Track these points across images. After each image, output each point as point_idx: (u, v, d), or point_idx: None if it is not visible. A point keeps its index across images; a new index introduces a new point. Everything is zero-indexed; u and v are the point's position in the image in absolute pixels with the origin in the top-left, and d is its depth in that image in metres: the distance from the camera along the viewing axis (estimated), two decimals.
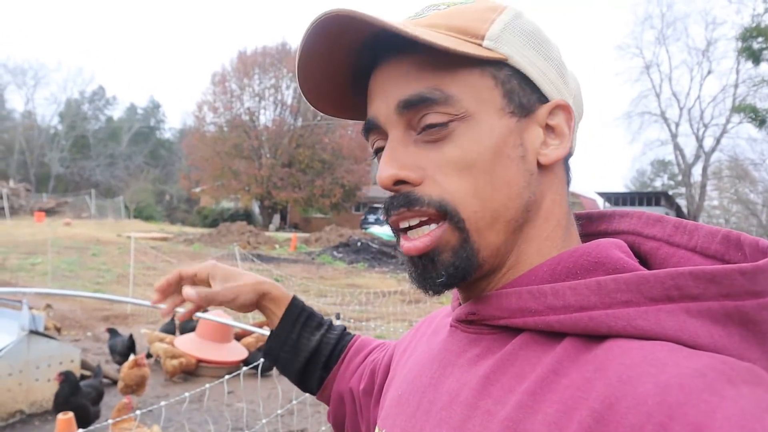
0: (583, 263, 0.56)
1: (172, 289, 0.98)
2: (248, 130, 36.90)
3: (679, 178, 45.47)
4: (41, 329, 5.26)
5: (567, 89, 0.63)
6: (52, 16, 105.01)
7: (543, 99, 0.60)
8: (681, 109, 40.19)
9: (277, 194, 35.42)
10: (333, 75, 0.65)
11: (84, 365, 5.69)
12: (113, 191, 47.54)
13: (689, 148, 41.04)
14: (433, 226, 0.58)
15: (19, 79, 57.58)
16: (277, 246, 22.57)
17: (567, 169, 0.65)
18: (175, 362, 6.28)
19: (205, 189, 39.61)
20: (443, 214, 0.58)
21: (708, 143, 39.49)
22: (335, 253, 20.05)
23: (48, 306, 8.52)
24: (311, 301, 10.95)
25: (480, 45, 0.57)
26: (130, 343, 6.41)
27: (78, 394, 4.46)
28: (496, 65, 0.58)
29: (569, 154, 0.64)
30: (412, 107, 0.58)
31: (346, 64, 0.64)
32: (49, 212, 32.53)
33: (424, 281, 0.60)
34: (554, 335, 0.53)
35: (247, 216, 35.63)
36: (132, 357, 5.42)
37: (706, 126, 39.31)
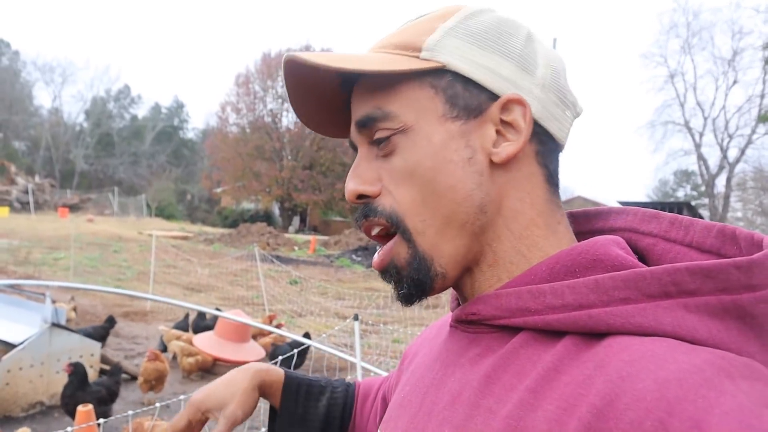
0: (582, 261, 0.56)
1: None
2: (270, 131, 37.18)
3: (703, 188, 44.86)
4: (63, 322, 5.31)
5: (531, 79, 0.61)
6: (82, 15, 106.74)
7: (495, 97, 0.60)
8: (705, 119, 39.63)
9: (297, 196, 35.60)
10: (325, 104, 0.69)
11: (104, 360, 5.74)
12: (136, 189, 48.05)
13: (713, 158, 40.44)
14: (382, 229, 0.62)
15: (48, 76, 58.74)
16: (296, 248, 22.65)
17: (545, 164, 0.62)
18: (191, 360, 6.31)
19: (226, 189, 39.92)
20: (393, 224, 0.61)
21: (732, 154, 38.87)
22: (354, 256, 20.06)
23: (72, 299, 8.64)
24: (329, 303, 10.97)
25: (417, 57, 0.59)
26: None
27: (85, 391, 4.45)
28: (436, 74, 0.60)
29: (554, 147, 0.63)
30: (364, 127, 0.62)
31: (333, 93, 0.68)
32: (73, 208, 33.01)
33: (395, 292, 0.63)
34: (554, 333, 0.53)
35: (267, 217, 35.81)
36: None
37: (730, 136, 38.69)
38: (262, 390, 0.94)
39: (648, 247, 0.59)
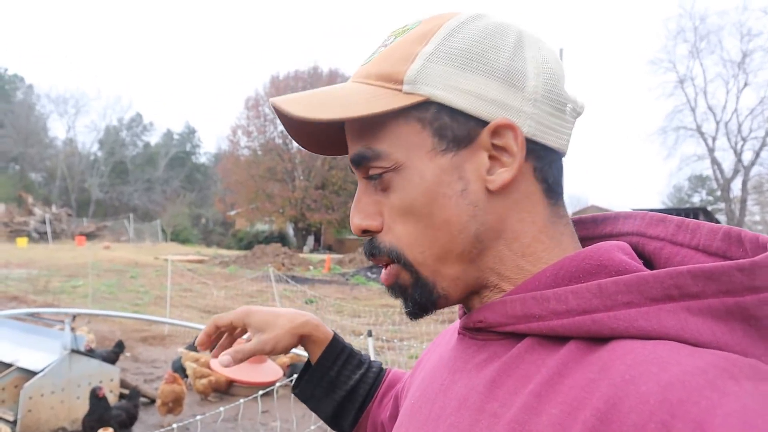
0: (585, 267, 0.56)
1: (213, 339, 0.97)
2: (282, 153, 37.41)
3: (718, 193, 44.42)
4: (82, 349, 5.38)
5: (520, 96, 0.58)
6: (92, 46, 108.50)
7: (484, 123, 0.58)
8: (717, 122, 39.33)
9: (310, 216, 35.71)
10: (322, 130, 0.68)
11: (123, 384, 5.80)
12: (150, 215, 48.44)
13: (727, 162, 40.10)
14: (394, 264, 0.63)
15: (61, 108, 59.65)
16: (311, 267, 22.67)
17: (543, 177, 0.61)
18: (204, 381, 6.33)
19: (240, 212, 40.14)
20: (395, 259, 0.62)
21: (747, 157, 38.51)
22: (369, 273, 20.01)
23: (88, 322, 8.73)
24: (345, 321, 10.96)
25: (400, 90, 0.58)
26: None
27: (107, 416, 4.52)
28: (421, 107, 0.58)
29: (553, 158, 0.62)
30: (357, 166, 0.62)
31: (325, 127, 0.68)
32: (90, 236, 33.34)
33: (403, 307, 0.65)
34: (559, 339, 0.54)
35: (281, 238, 35.94)
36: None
37: (744, 139, 38.38)
38: (304, 341, 0.97)
39: (655, 251, 0.59)
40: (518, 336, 0.57)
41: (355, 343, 8.97)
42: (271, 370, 7.16)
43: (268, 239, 34.23)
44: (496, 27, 0.60)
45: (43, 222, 33.09)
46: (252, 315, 0.95)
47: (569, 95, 0.62)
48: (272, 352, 0.93)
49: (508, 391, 0.53)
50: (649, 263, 0.59)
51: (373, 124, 0.60)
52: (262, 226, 40.38)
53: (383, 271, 0.64)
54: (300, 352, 4.97)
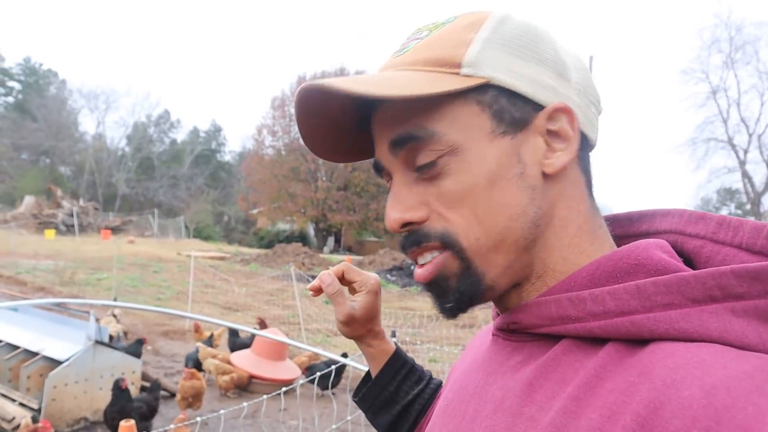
0: (623, 266, 0.54)
1: (320, 291, 0.97)
2: (305, 153, 37.46)
3: (748, 207, 43.57)
4: (106, 340, 5.46)
5: (568, 86, 0.60)
6: (124, 44, 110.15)
7: (539, 107, 0.58)
8: (750, 135, 38.61)
9: (332, 217, 35.80)
10: (336, 128, 0.66)
11: (144, 377, 5.87)
12: (175, 211, 48.97)
13: (759, 176, 39.27)
14: (436, 254, 0.60)
15: (92, 103, 60.58)
16: (330, 268, 22.65)
17: (584, 168, 0.62)
18: (226, 378, 6.39)
19: (262, 211, 40.37)
20: (447, 244, 0.59)
21: None
22: (389, 276, 20.00)
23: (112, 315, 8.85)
24: None
25: (457, 74, 0.57)
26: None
27: (129, 408, 4.59)
28: (479, 89, 0.57)
29: (589, 149, 0.63)
30: (401, 146, 0.59)
31: (346, 116, 0.65)
32: (115, 230, 33.74)
33: (439, 305, 0.62)
34: (596, 340, 0.52)
35: (302, 238, 36.06)
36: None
37: None
38: (369, 337, 0.98)
39: (695, 249, 0.57)
40: (554, 338, 0.56)
41: None
42: (289, 369, 7.21)
43: (289, 239, 34.37)
44: (535, 23, 0.61)
45: (71, 215, 33.62)
46: (353, 274, 0.98)
47: (597, 91, 0.64)
48: (351, 317, 0.95)
49: (545, 395, 0.52)
50: (688, 262, 0.57)
51: (426, 107, 0.57)
52: (283, 226, 40.56)
53: (423, 265, 0.61)
54: (319, 351, 4.99)
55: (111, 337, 8.13)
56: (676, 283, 0.49)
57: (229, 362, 6.77)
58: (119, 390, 4.66)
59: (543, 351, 0.56)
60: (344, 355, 6.54)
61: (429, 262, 0.60)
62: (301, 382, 3.60)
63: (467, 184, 0.57)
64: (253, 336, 7.50)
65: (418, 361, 7.07)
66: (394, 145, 0.60)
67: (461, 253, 0.58)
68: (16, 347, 5.58)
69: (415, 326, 10.41)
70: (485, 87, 0.57)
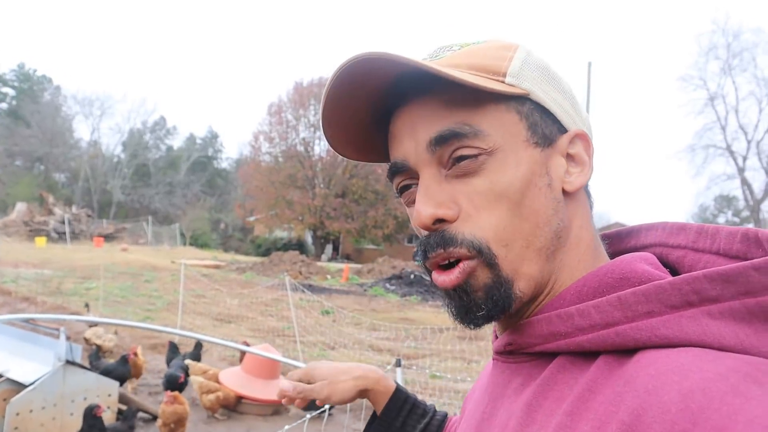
0: (608, 281, 0.56)
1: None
2: (303, 160, 37.30)
3: (745, 214, 43.43)
4: (78, 360, 4.96)
5: (581, 119, 0.65)
6: (119, 50, 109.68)
7: (562, 129, 0.63)
8: (749, 142, 38.44)
9: (330, 224, 35.48)
10: (356, 119, 0.65)
11: (122, 399, 5.37)
12: (171, 218, 48.50)
13: (758, 182, 39.10)
14: (460, 260, 0.59)
15: (87, 109, 60.05)
16: (328, 276, 22.34)
17: (588, 193, 0.66)
18: (211, 397, 5.90)
19: (260, 218, 40.14)
20: (476, 252, 0.58)
21: None
22: (388, 285, 19.65)
23: (116, 332, 8.39)
24: (362, 335, 10.50)
25: (503, 82, 0.59)
26: (179, 375, 6.04)
27: None
28: (519, 100, 0.60)
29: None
30: (444, 143, 0.59)
31: (368, 108, 0.64)
32: (108, 238, 33.35)
33: (465, 314, 0.60)
34: (588, 355, 0.53)
35: (299, 246, 35.76)
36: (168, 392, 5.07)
37: None
38: (366, 395, 1.01)
39: (678, 259, 0.59)
40: (549, 355, 0.57)
41: (375, 361, 8.47)
42: None
43: (286, 246, 34.03)
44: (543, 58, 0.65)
45: (63, 222, 33.14)
46: (315, 370, 1.03)
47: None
48: (326, 400, 0.99)
49: (545, 414, 0.53)
50: (675, 273, 0.58)
51: (472, 104, 0.59)
52: (280, 233, 40.30)
53: (442, 272, 0.60)
54: None
55: (100, 350, 7.65)
56: (654, 292, 0.50)
57: (217, 380, 6.27)
58: (92, 418, 4.17)
59: (540, 370, 0.58)
60: None
61: (456, 267, 0.59)
62: (309, 416, 3.14)
63: (503, 185, 0.58)
64: (195, 350, 7.23)
65: (419, 378, 6.63)
66: (437, 142, 0.59)
67: (492, 260, 0.58)
68: None
69: (416, 339, 9.95)
70: (524, 99, 0.60)
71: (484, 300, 0.59)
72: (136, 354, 6.38)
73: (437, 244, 0.59)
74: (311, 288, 14.23)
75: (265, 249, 36.55)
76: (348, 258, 38.07)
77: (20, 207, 34.41)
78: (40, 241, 27.56)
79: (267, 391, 6.33)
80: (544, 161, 0.60)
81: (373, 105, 0.64)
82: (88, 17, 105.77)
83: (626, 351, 0.50)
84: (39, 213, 34.51)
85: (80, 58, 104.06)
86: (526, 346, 0.59)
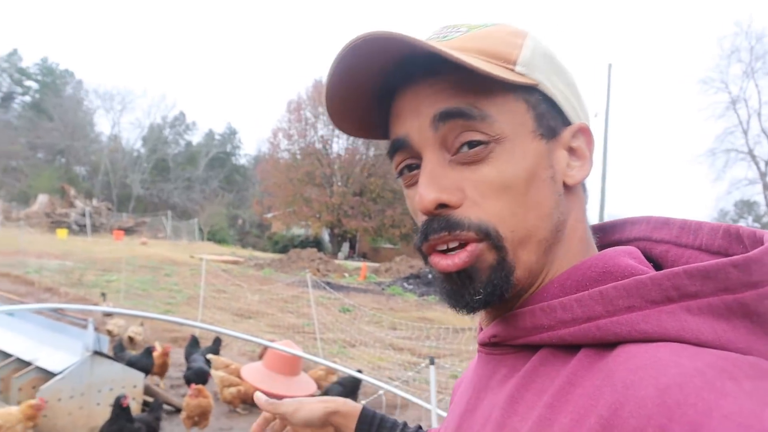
0: (591, 274, 0.57)
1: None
2: (321, 158, 37.28)
3: (767, 219, 42.74)
4: (105, 350, 4.99)
5: (583, 112, 0.65)
6: (140, 45, 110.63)
7: (566, 122, 0.62)
8: None
9: (347, 223, 35.44)
10: (360, 95, 0.64)
11: (147, 391, 5.40)
12: (189, 213, 48.78)
13: None
14: (465, 243, 0.58)
15: (108, 104, 60.51)
16: (346, 274, 22.34)
17: (584, 188, 0.66)
18: (232, 390, 5.92)
19: (277, 215, 40.14)
20: (483, 236, 0.57)
21: None
22: (405, 284, 19.61)
23: (142, 324, 8.46)
24: (382, 334, 10.49)
25: (513, 70, 0.59)
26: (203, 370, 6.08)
27: (128, 429, 4.13)
28: (528, 90, 0.60)
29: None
30: (449, 120, 0.58)
31: (373, 85, 0.63)
32: (128, 231, 33.60)
33: (460, 298, 0.59)
34: (570, 348, 0.54)
35: (316, 243, 35.78)
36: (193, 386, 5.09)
37: None
38: (333, 417, 0.97)
39: (661, 254, 0.60)
40: (532, 348, 0.58)
41: (396, 360, 8.45)
42: (304, 384, 6.71)
43: (303, 243, 34.08)
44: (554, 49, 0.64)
45: (84, 215, 33.47)
46: (274, 411, 0.98)
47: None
48: (295, 414, 0.95)
49: (526, 405, 0.54)
50: (658, 267, 0.58)
51: (480, 88, 0.58)
52: (298, 230, 40.32)
53: (445, 256, 0.58)
54: (337, 366, 4.52)
55: (130, 341, 7.71)
56: (635, 287, 0.51)
57: (239, 375, 6.30)
58: (119, 408, 4.21)
59: (523, 362, 0.58)
60: (359, 371, 6.08)
61: (463, 250, 0.58)
62: None
63: (509, 174, 0.58)
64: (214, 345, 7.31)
65: (439, 378, 6.58)
66: (441, 117, 0.58)
67: (499, 243, 0.58)
68: (8, 355, 5.14)
69: (435, 338, 9.92)
70: (532, 89, 0.60)
71: (485, 284, 0.58)
72: (167, 354, 6.41)
73: (441, 227, 0.58)
74: (330, 285, 14.23)
75: (282, 246, 36.61)
76: (364, 256, 38.02)
77: (42, 199, 34.84)
78: (62, 232, 27.85)
79: (288, 387, 6.33)
80: (548, 153, 0.60)
81: (378, 83, 0.63)
82: (111, 13, 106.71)
83: (607, 345, 0.50)
84: (60, 205, 34.91)
85: (102, 53, 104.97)
86: (510, 339, 0.59)
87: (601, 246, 0.66)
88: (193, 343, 7.33)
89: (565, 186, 0.61)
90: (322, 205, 35.94)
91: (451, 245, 0.58)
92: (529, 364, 0.56)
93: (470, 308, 0.60)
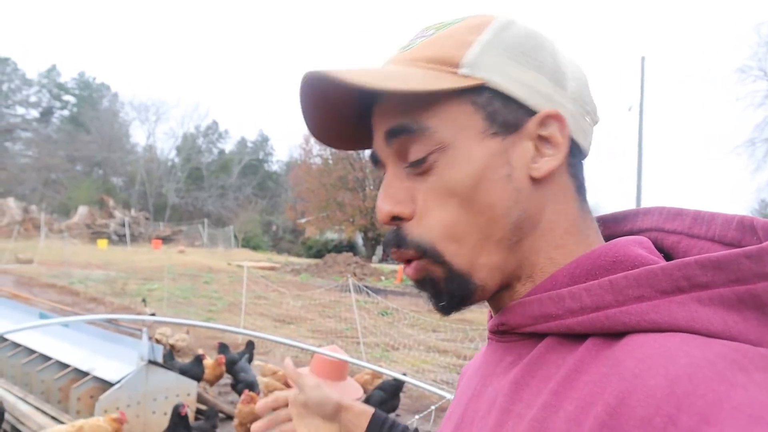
0: (602, 263, 0.56)
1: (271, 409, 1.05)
2: (353, 162, 37.39)
3: None
4: (159, 359, 5.08)
5: (564, 94, 0.61)
6: (173, 56, 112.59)
7: (532, 112, 0.59)
8: None
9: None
10: (340, 115, 0.66)
11: (200, 399, 5.48)
12: (223, 221, 49.44)
13: None
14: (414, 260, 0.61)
15: (143, 115, 61.83)
16: (382, 278, 22.35)
17: (575, 174, 0.63)
18: None
19: (310, 220, 40.39)
20: (422, 253, 0.59)
21: None
22: None
23: (188, 332, 8.61)
24: (424, 336, 10.48)
25: (455, 73, 0.58)
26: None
27: None
28: (475, 90, 0.58)
29: (581, 157, 0.64)
30: (396, 136, 0.60)
31: (350, 105, 0.64)
32: (165, 240, 34.18)
33: (431, 302, 0.62)
34: (578, 336, 0.53)
35: (350, 247, 35.86)
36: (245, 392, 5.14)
37: None
38: (343, 413, 0.97)
39: (673, 245, 0.59)
40: (539, 336, 0.57)
41: (439, 362, 8.43)
42: (351, 389, 6.72)
43: (337, 248, 34.22)
44: (537, 31, 0.62)
45: (123, 225, 34.18)
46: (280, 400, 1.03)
47: (594, 102, 0.65)
48: (312, 388, 0.97)
49: (531, 392, 0.54)
50: (670, 258, 0.58)
51: (422, 103, 0.58)
52: (331, 235, 40.52)
53: (407, 265, 0.61)
54: (384, 370, 4.52)
55: (172, 349, 7.84)
56: (645, 276, 0.50)
57: (285, 381, 6.34)
58: (178, 416, 4.27)
59: (529, 350, 0.58)
60: (403, 374, 6.07)
61: (410, 265, 0.61)
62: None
63: (453, 181, 0.58)
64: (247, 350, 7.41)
65: None
66: (388, 135, 0.61)
67: (439, 259, 0.59)
68: (66, 366, 5.26)
69: (478, 340, 9.87)
70: (481, 89, 0.58)
71: (443, 293, 0.60)
72: (222, 363, 6.53)
73: (393, 243, 0.61)
74: (368, 289, 14.27)
75: (316, 251, 36.82)
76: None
77: (82, 210, 35.66)
78: (102, 243, 28.45)
79: (335, 392, 6.36)
80: (504, 151, 0.58)
81: (352, 102, 0.64)
82: (144, 27, 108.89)
83: (615, 334, 0.50)
84: (100, 216, 35.67)
85: (136, 66, 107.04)
86: (519, 327, 0.59)
87: (611, 236, 0.65)
88: (223, 348, 7.39)
89: (535, 179, 0.59)
90: (355, 209, 36.07)
91: (405, 258, 0.61)
92: (535, 351, 0.56)
93: (442, 311, 0.62)
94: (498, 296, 0.63)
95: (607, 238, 0.65)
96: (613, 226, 0.68)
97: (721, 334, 0.46)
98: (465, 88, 0.58)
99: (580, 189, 0.63)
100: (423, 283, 0.62)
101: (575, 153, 0.62)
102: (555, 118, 0.59)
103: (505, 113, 0.59)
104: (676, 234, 0.59)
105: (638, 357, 0.45)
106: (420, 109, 0.59)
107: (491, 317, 0.67)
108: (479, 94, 0.58)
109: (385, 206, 0.61)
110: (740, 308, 0.47)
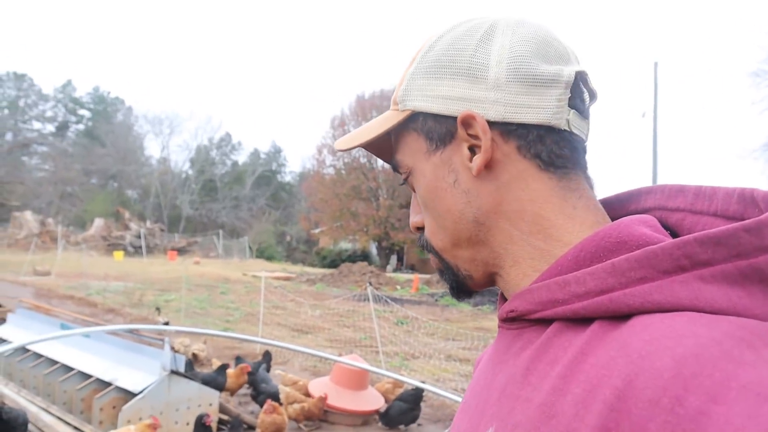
0: (606, 245, 0.56)
1: None
2: (366, 171, 37.44)
3: None
4: (182, 369, 5.07)
5: (482, 86, 0.61)
6: (186, 70, 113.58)
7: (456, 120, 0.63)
8: None
9: (394, 235, 35.45)
10: (382, 152, 0.76)
11: (222, 409, 5.45)
12: (237, 232, 49.60)
13: None
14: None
15: (157, 128, 62.40)
16: (398, 287, 22.29)
17: (536, 153, 0.61)
18: (296, 407, 5.91)
19: (324, 230, 40.44)
20: (429, 249, 0.71)
21: None
22: None
23: (205, 342, 8.61)
24: (441, 344, 10.41)
25: (398, 110, 0.67)
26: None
27: None
28: (412, 118, 0.66)
29: (545, 132, 0.61)
30: (395, 170, 0.72)
31: (378, 147, 0.74)
32: (181, 251, 34.34)
33: (448, 289, 0.72)
34: (585, 320, 0.54)
35: (364, 257, 35.83)
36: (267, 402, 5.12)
37: None
38: None
39: (677, 222, 0.59)
40: (548, 322, 0.58)
41: (459, 371, 8.35)
42: (372, 398, 6.70)
43: (351, 258, 34.18)
44: (467, 29, 0.64)
45: (138, 236, 34.39)
46: None
47: (549, 68, 0.61)
48: None
49: (539, 376, 0.54)
50: (675, 235, 0.58)
51: (394, 140, 0.70)
52: (345, 245, 40.52)
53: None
54: (404, 378, 4.47)
55: (194, 358, 7.85)
56: (645, 257, 0.50)
57: (306, 391, 6.31)
58: (202, 427, 4.26)
59: (538, 335, 0.58)
60: (422, 383, 6.01)
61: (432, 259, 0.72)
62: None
63: (421, 197, 0.69)
64: (265, 360, 7.36)
65: None
66: (393, 169, 0.72)
67: (435, 254, 0.70)
68: (88, 376, 5.26)
69: None
70: (415, 115, 0.66)
71: (447, 281, 0.71)
72: (245, 372, 6.55)
73: (419, 244, 0.74)
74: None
75: (330, 260, 36.83)
76: (413, 268, 37.91)
77: (98, 222, 35.94)
78: (118, 254, 28.64)
79: (357, 401, 6.32)
80: (445, 162, 0.65)
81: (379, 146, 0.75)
82: (157, 41, 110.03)
83: (621, 317, 0.50)
84: (116, 228, 35.92)
85: (150, 80, 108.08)
86: (527, 313, 0.60)
87: (617, 218, 0.65)
88: (239, 361, 7.37)
89: (485, 176, 0.62)
90: (369, 219, 36.08)
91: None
92: (543, 336, 0.57)
93: (453, 295, 0.72)
94: (500, 283, 0.67)
95: (613, 221, 0.65)
96: (617, 208, 0.69)
97: (726, 310, 0.46)
98: (404, 121, 0.66)
99: (549, 166, 0.62)
100: (439, 273, 0.72)
101: (524, 133, 0.61)
102: (468, 117, 0.61)
103: (438, 129, 0.64)
104: (679, 211, 0.60)
105: (644, 338, 0.45)
106: (394, 146, 0.71)
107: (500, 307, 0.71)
108: (415, 120, 0.66)
109: (411, 219, 0.74)
110: (744, 283, 0.47)
